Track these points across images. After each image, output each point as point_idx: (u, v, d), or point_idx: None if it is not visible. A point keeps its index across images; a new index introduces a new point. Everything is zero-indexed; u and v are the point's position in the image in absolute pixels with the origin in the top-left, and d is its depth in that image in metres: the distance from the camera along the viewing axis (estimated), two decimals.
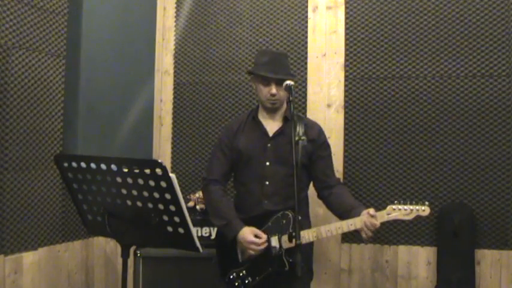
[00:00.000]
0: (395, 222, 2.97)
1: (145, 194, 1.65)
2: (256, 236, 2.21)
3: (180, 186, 1.62)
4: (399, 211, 2.15)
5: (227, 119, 3.37)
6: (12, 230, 2.42)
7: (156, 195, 1.64)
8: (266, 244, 2.21)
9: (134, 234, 1.78)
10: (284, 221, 2.23)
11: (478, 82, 2.94)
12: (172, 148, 3.49)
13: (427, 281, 2.96)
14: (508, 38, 2.90)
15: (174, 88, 3.51)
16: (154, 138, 3.53)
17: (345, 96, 3.15)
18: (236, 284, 2.26)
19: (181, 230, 1.69)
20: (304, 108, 3.21)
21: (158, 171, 1.58)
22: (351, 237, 3.05)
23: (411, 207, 2.15)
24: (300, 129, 2.18)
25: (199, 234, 2.86)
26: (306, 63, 3.23)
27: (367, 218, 2.10)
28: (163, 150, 3.51)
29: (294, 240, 1.96)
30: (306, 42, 3.24)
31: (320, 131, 2.44)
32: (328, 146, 2.46)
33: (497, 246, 2.87)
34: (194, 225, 2.17)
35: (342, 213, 2.25)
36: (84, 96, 2.89)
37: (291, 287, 2.19)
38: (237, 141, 2.41)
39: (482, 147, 2.91)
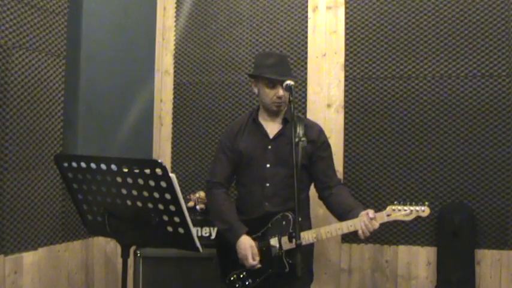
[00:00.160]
0: (395, 223, 2.96)
1: (145, 194, 1.65)
2: (252, 253, 2.22)
3: (180, 186, 1.62)
4: (399, 212, 2.15)
5: (227, 119, 3.37)
6: (12, 230, 2.42)
7: (156, 195, 1.64)
8: (259, 266, 2.22)
9: (134, 234, 1.78)
10: (284, 222, 2.23)
11: (478, 82, 2.94)
12: (172, 148, 3.49)
13: (427, 281, 2.96)
14: (508, 38, 2.89)
15: (174, 88, 3.51)
16: (154, 138, 3.53)
17: (345, 96, 3.15)
18: (237, 285, 2.26)
19: (181, 230, 1.69)
20: (304, 108, 3.21)
21: (158, 171, 1.58)
22: (351, 237, 3.04)
23: (411, 207, 2.15)
24: (300, 131, 2.18)
25: (199, 234, 2.86)
26: (306, 63, 3.23)
27: (366, 220, 2.10)
28: (163, 150, 3.51)
29: (293, 240, 1.96)
30: (306, 42, 3.24)
31: (320, 132, 2.44)
32: (328, 147, 2.46)
33: (497, 246, 2.87)
34: (194, 225, 2.18)
35: (341, 214, 2.25)
36: (84, 96, 2.89)
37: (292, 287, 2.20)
38: (238, 143, 2.41)
39: (482, 147, 2.91)
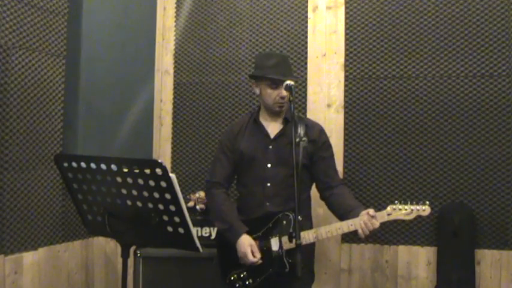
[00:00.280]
0: (396, 222, 2.97)
1: (145, 194, 1.65)
2: (252, 251, 2.22)
3: (180, 186, 1.62)
4: (399, 211, 2.15)
5: (227, 119, 3.37)
6: (12, 230, 2.42)
7: (156, 195, 1.64)
8: (260, 262, 2.21)
9: (134, 234, 1.78)
10: (285, 222, 2.23)
11: (478, 82, 2.94)
12: (172, 148, 3.49)
13: (427, 281, 2.96)
14: (508, 38, 2.89)
15: (174, 88, 3.51)
16: (154, 138, 3.53)
17: (345, 96, 3.15)
18: (237, 285, 2.26)
19: (181, 230, 1.69)
20: (304, 108, 3.21)
21: (158, 171, 1.58)
22: (351, 237, 3.04)
23: (411, 207, 2.15)
24: (300, 131, 2.19)
25: (199, 234, 2.86)
26: (306, 63, 3.23)
27: (366, 219, 2.10)
28: (163, 150, 3.51)
29: (293, 240, 1.96)
30: (306, 42, 3.24)
31: (321, 132, 2.44)
32: (329, 147, 2.46)
33: (497, 246, 2.87)
34: (194, 225, 2.18)
35: (342, 214, 2.25)
36: (84, 96, 2.89)
37: (292, 287, 2.19)
38: (239, 143, 2.41)
39: (482, 147, 2.91)
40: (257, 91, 2.40)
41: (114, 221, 1.75)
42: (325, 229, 2.18)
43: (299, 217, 2.01)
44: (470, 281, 2.82)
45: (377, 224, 2.10)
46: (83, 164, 1.70)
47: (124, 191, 1.68)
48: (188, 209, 2.04)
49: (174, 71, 3.51)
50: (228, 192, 2.48)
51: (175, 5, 3.51)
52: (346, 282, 3.09)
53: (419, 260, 2.98)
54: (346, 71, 3.15)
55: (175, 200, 1.62)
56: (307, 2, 3.25)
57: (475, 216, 2.88)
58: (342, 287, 3.10)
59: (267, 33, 3.33)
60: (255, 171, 2.36)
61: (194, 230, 1.70)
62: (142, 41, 3.45)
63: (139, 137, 3.41)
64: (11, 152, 2.40)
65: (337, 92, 3.16)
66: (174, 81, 3.51)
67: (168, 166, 3.47)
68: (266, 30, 3.33)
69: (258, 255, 2.22)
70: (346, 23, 3.16)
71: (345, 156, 3.12)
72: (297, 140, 2.11)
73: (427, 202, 2.16)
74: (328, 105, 3.18)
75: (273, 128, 2.40)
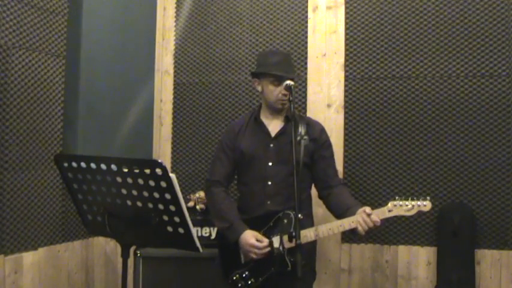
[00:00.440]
0: (396, 222, 2.98)
1: (145, 194, 1.65)
2: (258, 240, 2.20)
3: (180, 186, 1.62)
4: (400, 207, 2.15)
5: (227, 119, 3.37)
6: (12, 230, 2.42)
7: (156, 195, 1.64)
8: (268, 249, 2.20)
9: (134, 234, 1.78)
10: (286, 221, 2.23)
11: (478, 82, 2.94)
12: (172, 148, 3.49)
13: (427, 281, 2.96)
14: (508, 38, 2.89)
15: (174, 88, 3.51)
16: (154, 138, 3.53)
17: (345, 96, 3.15)
18: (239, 285, 2.26)
19: (181, 230, 1.69)
20: (304, 108, 3.21)
21: (158, 171, 1.58)
22: (351, 237, 3.05)
23: (412, 202, 2.15)
24: (301, 129, 2.19)
25: (199, 234, 2.86)
26: (306, 63, 3.23)
27: (364, 216, 2.10)
28: (163, 150, 3.51)
29: (294, 240, 1.96)
30: (306, 42, 3.24)
31: (322, 131, 2.45)
32: (330, 146, 2.46)
33: (497, 246, 2.87)
34: (194, 225, 2.17)
35: (340, 213, 2.25)
36: (84, 96, 2.89)
37: (294, 287, 2.19)
38: (239, 142, 2.41)
39: (482, 147, 2.91)
40: (259, 88, 2.41)
41: (114, 221, 1.75)
42: (326, 227, 2.18)
43: (300, 215, 2.01)
44: (470, 281, 2.82)
45: (378, 221, 2.09)
46: (83, 164, 1.70)
47: (124, 191, 1.68)
48: (188, 209, 2.04)
49: (174, 71, 3.51)
50: (228, 191, 2.48)
51: (175, 5, 3.51)
52: (346, 282, 3.09)
53: (419, 260, 2.98)
54: (346, 71, 3.15)
55: (175, 200, 1.62)
56: (307, 2, 3.25)
57: (475, 216, 2.88)
58: (342, 287, 3.10)
59: (267, 33, 3.33)
60: (256, 169, 2.36)
61: (194, 230, 1.70)
62: (142, 41, 3.45)
63: (139, 137, 3.41)
64: (11, 152, 2.40)
65: (337, 92, 3.16)
66: (174, 81, 3.51)
67: (168, 166, 3.47)
68: (266, 30, 3.33)
69: (265, 240, 2.20)
70: (346, 23, 3.16)
71: (344, 156, 3.12)
72: (298, 138, 2.11)
73: (428, 197, 2.16)
74: (328, 105, 3.18)
75: (274, 126, 2.40)
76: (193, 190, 3.26)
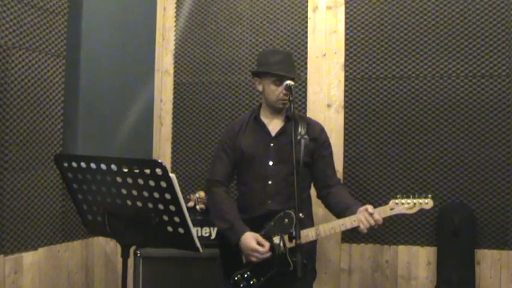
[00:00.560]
0: (396, 222, 2.98)
1: (145, 194, 1.65)
2: (258, 243, 2.20)
3: (180, 186, 1.62)
4: (402, 205, 2.15)
5: (227, 119, 3.37)
6: (12, 230, 2.42)
7: (156, 195, 1.64)
8: (270, 254, 2.19)
9: (134, 234, 1.78)
10: (286, 220, 2.22)
11: (478, 82, 2.94)
12: (172, 148, 3.49)
13: (427, 281, 2.96)
14: (508, 38, 2.90)
15: (174, 88, 3.51)
16: (154, 138, 3.53)
17: (345, 96, 3.15)
18: (241, 285, 2.25)
19: (181, 230, 1.69)
20: (304, 108, 3.21)
21: (158, 171, 1.58)
22: (351, 237, 3.05)
23: (414, 200, 2.15)
24: (302, 129, 2.19)
25: (199, 234, 2.86)
26: (306, 63, 3.23)
27: (366, 215, 2.10)
28: (163, 150, 3.51)
29: (294, 240, 1.96)
30: (306, 42, 3.24)
31: (322, 130, 2.45)
32: (329, 146, 2.46)
33: (497, 246, 2.87)
34: (194, 225, 2.17)
35: (339, 212, 2.25)
36: (84, 96, 2.89)
37: (295, 286, 2.18)
38: (239, 141, 2.41)
39: (482, 147, 2.91)
40: (260, 88, 2.40)
41: (114, 221, 1.75)
42: (328, 226, 2.17)
43: (301, 215, 2.00)
44: (470, 281, 2.82)
45: (380, 219, 2.09)
46: (83, 164, 1.70)
47: (124, 191, 1.68)
48: (188, 209, 2.04)
49: (174, 71, 3.51)
50: (228, 191, 2.47)
51: (175, 5, 3.51)
52: (346, 282, 3.09)
53: (419, 260, 2.98)
54: (346, 71, 3.15)
55: (175, 200, 1.62)
56: (307, 2, 3.25)
57: (475, 216, 2.88)
58: (342, 287, 3.10)
59: (267, 33, 3.33)
60: (256, 169, 2.36)
61: (194, 230, 1.70)
62: (142, 41, 3.45)
63: (139, 137, 3.41)
64: (11, 152, 2.40)
65: (337, 92, 3.16)
66: (174, 81, 3.51)
67: (168, 166, 3.47)
68: (266, 30, 3.33)
69: (267, 244, 2.19)
70: (346, 23, 3.16)
71: (344, 156, 3.12)
72: (298, 137, 2.12)
73: (430, 195, 2.16)
74: (328, 105, 3.18)
75: (274, 125, 2.40)
76: (193, 190, 3.26)
